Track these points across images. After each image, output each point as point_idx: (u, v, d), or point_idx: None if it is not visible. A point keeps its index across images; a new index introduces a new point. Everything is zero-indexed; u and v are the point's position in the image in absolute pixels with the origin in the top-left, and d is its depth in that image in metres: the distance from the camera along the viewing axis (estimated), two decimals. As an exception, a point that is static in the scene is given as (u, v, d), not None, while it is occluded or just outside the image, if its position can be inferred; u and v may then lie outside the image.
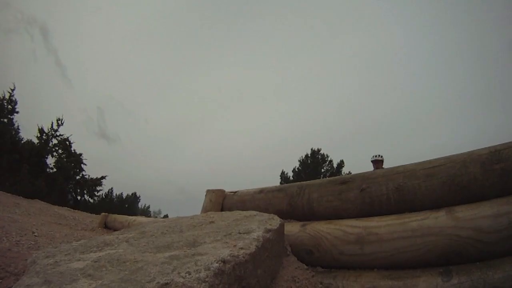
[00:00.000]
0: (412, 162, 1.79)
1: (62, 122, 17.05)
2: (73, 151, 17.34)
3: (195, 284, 0.96)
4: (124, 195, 25.28)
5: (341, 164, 21.66)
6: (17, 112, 16.15)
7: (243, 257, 1.16)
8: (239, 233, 1.41)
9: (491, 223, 1.34)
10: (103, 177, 18.45)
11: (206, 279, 0.99)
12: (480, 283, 1.26)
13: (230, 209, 2.58)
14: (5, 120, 15.67)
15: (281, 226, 1.67)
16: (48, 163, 16.66)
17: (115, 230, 4.77)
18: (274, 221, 1.63)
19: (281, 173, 22.19)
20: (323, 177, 17.39)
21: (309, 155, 22.29)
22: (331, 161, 21.93)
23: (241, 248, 1.21)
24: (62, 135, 17.07)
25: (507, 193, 1.43)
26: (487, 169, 1.49)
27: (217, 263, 1.07)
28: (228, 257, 1.12)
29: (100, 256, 1.27)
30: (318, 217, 1.99)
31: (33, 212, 5.87)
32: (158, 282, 0.96)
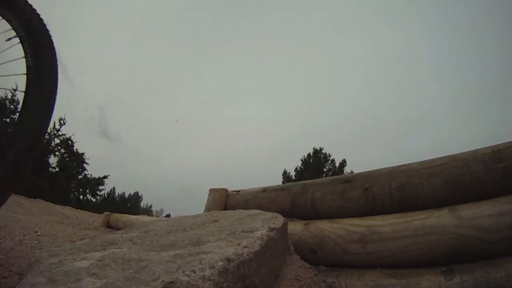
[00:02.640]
0: (415, 161, 1.79)
1: (65, 121, 17.12)
2: (75, 151, 17.40)
3: (200, 282, 0.96)
4: (126, 195, 25.37)
5: (343, 163, 21.67)
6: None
7: (247, 255, 1.17)
8: (243, 231, 1.42)
9: (493, 222, 1.35)
10: (105, 177, 18.55)
11: (211, 278, 0.99)
12: (482, 281, 1.26)
13: (233, 208, 2.58)
14: (8, 120, 15.72)
15: (285, 224, 1.68)
16: (50, 162, 16.73)
17: (118, 229, 4.78)
18: (278, 220, 1.64)
19: (283, 172, 22.20)
20: (325, 176, 17.38)
21: (312, 154, 22.27)
22: (333, 160, 21.93)
23: (245, 247, 1.22)
24: (64, 134, 17.14)
25: (509, 192, 1.43)
26: (489, 168, 1.49)
27: (221, 261, 1.07)
28: (233, 256, 1.12)
29: (104, 255, 1.27)
30: (321, 216, 2.00)
31: (35, 211, 5.89)
32: (163, 281, 0.97)
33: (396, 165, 1.85)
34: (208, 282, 0.98)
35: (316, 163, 21.73)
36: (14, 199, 6.84)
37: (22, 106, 1.63)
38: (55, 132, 16.89)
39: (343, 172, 20.26)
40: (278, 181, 21.10)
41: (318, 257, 1.78)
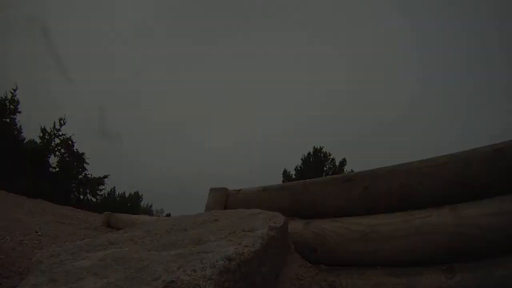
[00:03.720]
0: (415, 160, 1.79)
1: (65, 121, 17.12)
2: (75, 151, 17.40)
3: (201, 282, 0.96)
4: (127, 194, 25.35)
5: (343, 162, 21.65)
6: (19, 112, 16.22)
7: (248, 254, 1.17)
8: (244, 231, 1.42)
9: (494, 221, 1.35)
10: (105, 176, 18.54)
11: (212, 277, 1.00)
12: (483, 280, 1.26)
13: (233, 208, 2.58)
14: (8, 120, 15.74)
15: (285, 224, 1.68)
16: (50, 162, 16.75)
17: (118, 229, 4.78)
18: (278, 219, 1.64)
19: (284, 172, 22.18)
20: (325, 175, 17.38)
21: (312, 154, 22.26)
22: (333, 159, 21.91)
23: (246, 246, 1.22)
24: (64, 134, 17.14)
25: (510, 191, 1.43)
26: (490, 167, 1.49)
27: (222, 260, 1.08)
28: (233, 255, 1.12)
29: (105, 255, 1.27)
30: (322, 215, 2.00)
31: (36, 211, 5.89)
32: (164, 280, 0.97)
33: (396, 164, 1.85)
34: (209, 281, 0.98)
35: (316, 162, 21.71)
36: (14, 199, 6.84)
37: None
38: (55, 132, 16.89)
39: (343, 171, 20.25)
40: (278, 180, 21.09)
41: (318, 256, 1.78)
